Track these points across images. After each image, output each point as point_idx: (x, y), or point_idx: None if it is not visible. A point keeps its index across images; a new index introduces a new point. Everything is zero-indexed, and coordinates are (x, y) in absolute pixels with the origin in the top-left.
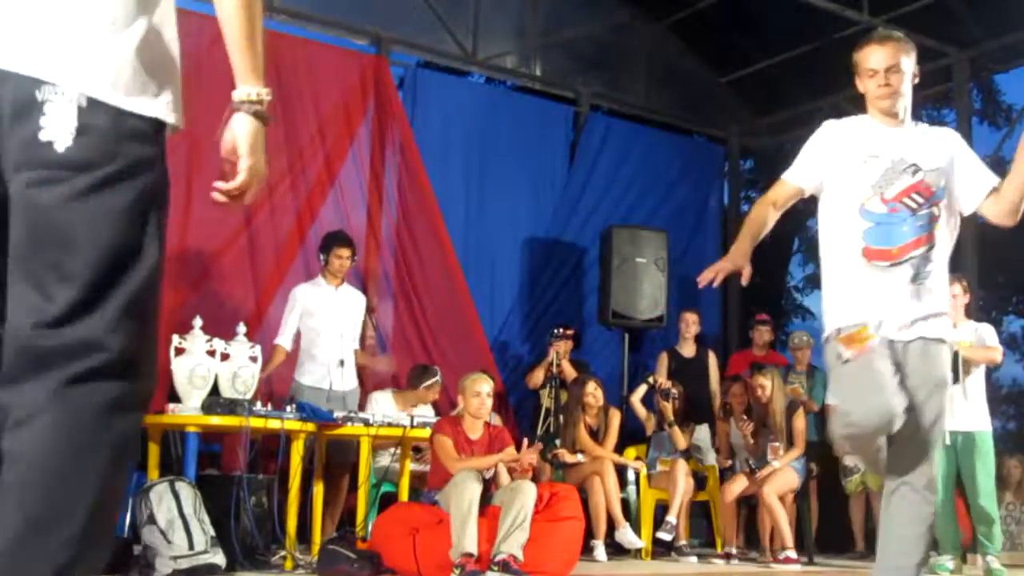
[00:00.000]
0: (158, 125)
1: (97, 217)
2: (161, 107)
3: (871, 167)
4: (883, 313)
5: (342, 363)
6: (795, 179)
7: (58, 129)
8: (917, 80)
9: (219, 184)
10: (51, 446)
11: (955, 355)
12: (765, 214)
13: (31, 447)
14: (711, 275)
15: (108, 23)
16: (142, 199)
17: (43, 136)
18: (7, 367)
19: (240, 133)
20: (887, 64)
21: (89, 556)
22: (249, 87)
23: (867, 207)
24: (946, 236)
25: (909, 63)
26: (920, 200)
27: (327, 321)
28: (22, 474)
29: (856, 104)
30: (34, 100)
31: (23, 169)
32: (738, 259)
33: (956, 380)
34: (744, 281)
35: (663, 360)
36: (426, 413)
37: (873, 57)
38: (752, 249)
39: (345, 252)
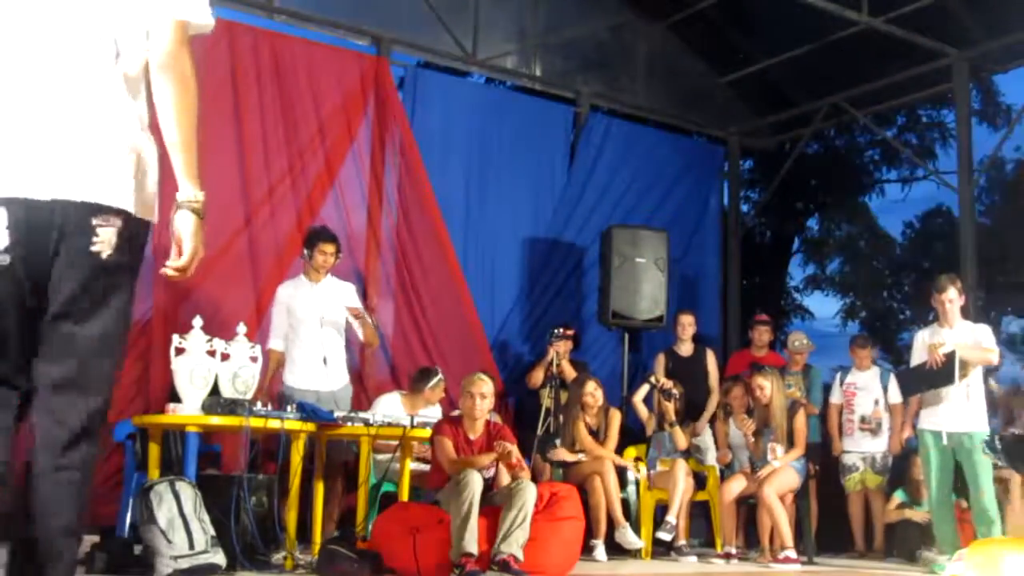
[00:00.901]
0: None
1: (119, 294)
2: (154, 212)
3: None
4: None
5: (325, 361)
6: None
7: (104, 244)
8: None
9: (169, 263)
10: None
11: (952, 355)
12: None
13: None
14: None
15: (148, 161)
16: (138, 271)
17: (93, 249)
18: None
19: (184, 227)
20: None
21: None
22: (189, 190)
23: None
24: None
25: None
26: None
27: (305, 318)
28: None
29: (856, 105)
30: (90, 224)
31: (75, 268)
32: None
33: (954, 380)
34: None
35: (660, 360)
36: (430, 413)
37: None
38: None
39: (329, 248)
